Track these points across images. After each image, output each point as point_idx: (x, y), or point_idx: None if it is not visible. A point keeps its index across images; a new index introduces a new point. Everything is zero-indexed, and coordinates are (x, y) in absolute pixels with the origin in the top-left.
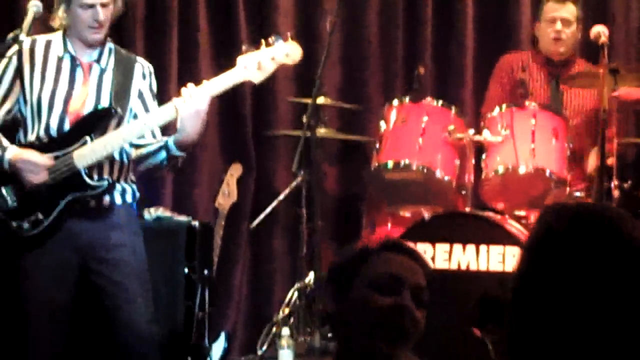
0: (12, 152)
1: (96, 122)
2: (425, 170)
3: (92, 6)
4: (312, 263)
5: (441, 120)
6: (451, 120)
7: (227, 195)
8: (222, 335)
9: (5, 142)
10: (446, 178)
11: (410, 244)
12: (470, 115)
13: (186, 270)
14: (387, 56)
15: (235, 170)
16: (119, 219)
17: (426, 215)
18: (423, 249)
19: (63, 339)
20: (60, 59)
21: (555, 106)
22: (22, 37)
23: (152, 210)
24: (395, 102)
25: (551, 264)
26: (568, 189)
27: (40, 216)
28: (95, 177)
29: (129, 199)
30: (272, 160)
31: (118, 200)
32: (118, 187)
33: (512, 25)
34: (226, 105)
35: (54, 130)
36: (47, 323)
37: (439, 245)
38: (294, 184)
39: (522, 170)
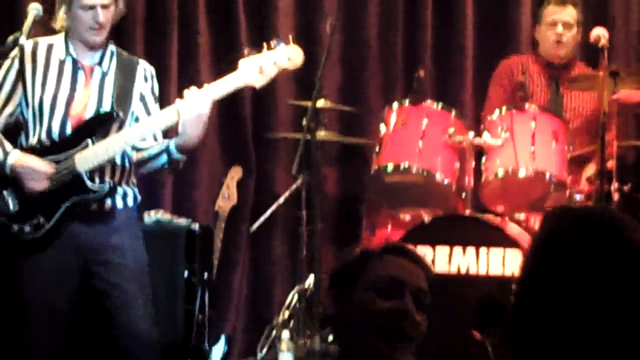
0: (14, 157)
1: (98, 126)
2: (425, 173)
3: (92, 7)
4: (312, 266)
5: (441, 123)
6: (451, 123)
7: (227, 197)
8: (222, 338)
9: (8, 147)
10: (446, 181)
11: (411, 247)
12: (470, 118)
13: (186, 273)
14: (387, 59)
15: (235, 173)
16: (120, 222)
17: (426, 218)
18: (423, 251)
19: (63, 342)
20: (62, 62)
21: (556, 109)
22: (22, 40)
23: (151, 212)
24: (395, 104)
25: (554, 268)
26: (568, 191)
27: (41, 219)
28: (97, 180)
29: (130, 202)
30: (272, 163)
31: (119, 203)
32: (119, 190)
33: (511, 28)
34: (226, 107)
35: (55, 134)
36: (47, 326)
37: (439, 248)
38: (294, 186)
39: (522, 173)
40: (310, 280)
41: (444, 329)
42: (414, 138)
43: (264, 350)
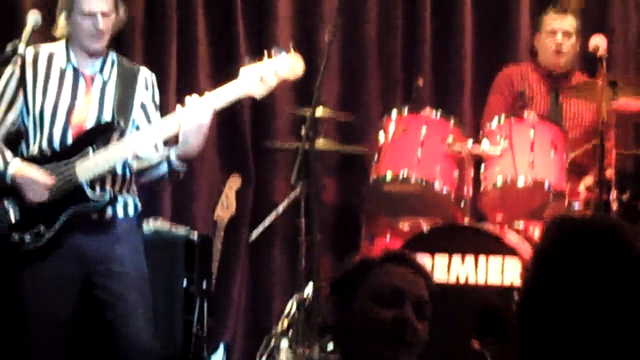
0: (15, 167)
1: (99, 135)
2: (424, 183)
3: (92, 14)
4: (311, 275)
5: (440, 131)
6: (450, 132)
7: (226, 207)
8: (221, 347)
9: (9, 156)
10: (445, 190)
11: (412, 255)
12: (469, 127)
13: (185, 282)
14: (386, 67)
15: (234, 182)
16: (121, 232)
17: (425, 227)
18: (422, 260)
19: (64, 352)
20: (63, 71)
21: (555, 118)
22: (21, 48)
23: (150, 221)
24: (394, 113)
25: (557, 278)
26: (566, 200)
27: (42, 229)
28: (98, 190)
29: (131, 211)
30: (271, 172)
31: (120, 213)
32: (120, 200)
33: (510, 36)
34: (225, 116)
35: (56, 143)
36: (47, 336)
37: (437, 257)
38: (292, 195)
39: (520, 182)
40: (309, 289)
41: (443, 337)
42: (412, 147)
43: (263, 359)
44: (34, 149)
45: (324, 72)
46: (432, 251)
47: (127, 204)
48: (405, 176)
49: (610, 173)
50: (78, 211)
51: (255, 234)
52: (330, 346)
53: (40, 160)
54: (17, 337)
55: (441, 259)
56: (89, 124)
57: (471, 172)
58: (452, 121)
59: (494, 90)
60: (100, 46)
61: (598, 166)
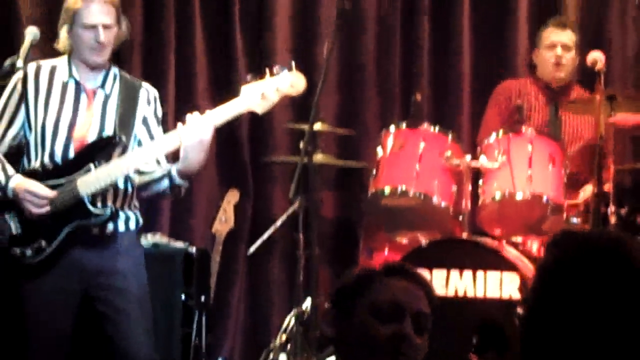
0: (16, 181)
1: (100, 150)
2: (422, 197)
3: (94, 27)
4: (309, 289)
5: (438, 146)
6: (448, 146)
7: (225, 221)
8: None
9: (10, 170)
10: (443, 204)
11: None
12: (467, 141)
13: (183, 296)
14: (384, 82)
15: (233, 196)
16: (122, 246)
17: (423, 241)
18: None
19: None
20: (65, 85)
21: (555, 132)
22: (19, 63)
23: (149, 236)
24: (392, 128)
25: (562, 293)
26: (565, 214)
27: (43, 243)
28: (99, 204)
29: (132, 226)
30: (269, 186)
31: (121, 227)
32: (122, 214)
33: (508, 52)
34: (223, 130)
35: (58, 157)
36: (48, 350)
37: (436, 271)
38: (291, 209)
39: (519, 196)
40: (307, 303)
41: (441, 351)
42: (411, 161)
43: None
44: (35, 164)
45: (323, 86)
46: (430, 265)
47: (129, 219)
48: (403, 190)
49: (608, 187)
50: (79, 226)
51: (253, 248)
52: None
53: (41, 174)
54: (18, 351)
55: (439, 273)
56: (91, 138)
57: (469, 187)
58: (450, 136)
59: (492, 104)
60: (102, 59)
61: (596, 180)
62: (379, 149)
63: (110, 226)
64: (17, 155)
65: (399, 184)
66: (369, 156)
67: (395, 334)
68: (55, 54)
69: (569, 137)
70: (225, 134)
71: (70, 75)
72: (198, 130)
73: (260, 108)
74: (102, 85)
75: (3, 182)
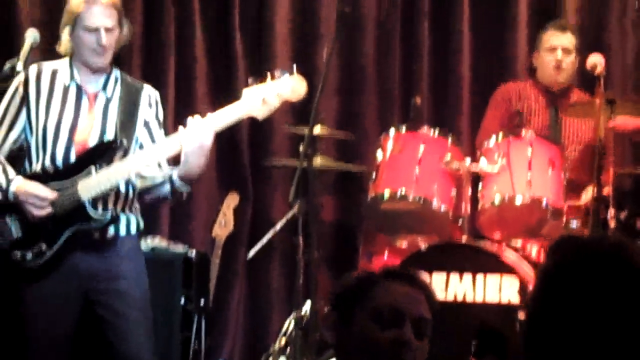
0: (17, 184)
1: (101, 154)
2: (421, 201)
3: (96, 30)
4: (309, 293)
5: (438, 149)
6: (448, 150)
7: (224, 224)
8: None
9: (11, 174)
10: (443, 208)
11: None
12: (466, 145)
13: (183, 300)
14: (384, 85)
15: (232, 200)
16: (123, 250)
17: (423, 245)
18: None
19: None
20: (66, 88)
21: (555, 135)
22: (19, 66)
23: (148, 239)
24: (392, 131)
25: (563, 297)
26: (564, 218)
27: (43, 247)
28: (100, 208)
29: (133, 229)
30: (269, 190)
31: (122, 231)
32: (122, 218)
33: (508, 55)
34: (223, 135)
35: (59, 160)
36: (48, 354)
37: (435, 275)
38: (290, 213)
39: (518, 200)
40: (306, 307)
41: (441, 355)
42: (410, 165)
43: None
44: (36, 167)
45: (322, 90)
46: (430, 269)
47: (130, 222)
48: (403, 194)
49: (608, 191)
50: (80, 230)
51: (253, 251)
52: None
53: (42, 178)
54: (18, 354)
55: (439, 277)
56: (92, 141)
57: (469, 190)
58: (450, 139)
59: (491, 107)
60: (103, 62)
61: (596, 184)
62: (379, 153)
63: (111, 230)
64: (19, 158)
65: (398, 188)
66: (368, 160)
67: (395, 340)
68: (56, 56)
69: (569, 140)
70: (225, 138)
71: (72, 78)
72: (198, 135)
73: (260, 113)
74: (104, 88)
75: (4, 185)
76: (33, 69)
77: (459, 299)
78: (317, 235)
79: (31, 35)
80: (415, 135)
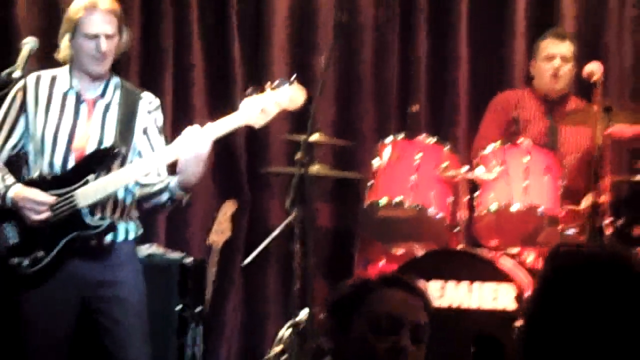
0: (15, 190)
1: (99, 161)
2: (418, 208)
3: (96, 36)
4: (305, 300)
5: (435, 157)
6: (445, 158)
7: (221, 231)
8: None
9: (9, 180)
10: (439, 215)
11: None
12: (464, 153)
13: (179, 307)
14: (381, 93)
15: (229, 207)
16: (120, 257)
17: (419, 252)
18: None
19: None
20: (65, 95)
21: (551, 143)
22: (17, 74)
23: (144, 246)
24: (389, 139)
25: (560, 305)
26: (561, 226)
27: (41, 254)
28: (98, 215)
29: (130, 236)
30: (266, 197)
31: (120, 238)
32: (120, 225)
33: (505, 63)
34: (220, 142)
35: (57, 167)
36: None
37: (431, 283)
38: (287, 220)
39: (514, 208)
40: (303, 314)
41: None
42: (407, 172)
43: None
44: (35, 174)
45: (320, 97)
46: (426, 276)
47: (128, 229)
48: (399, 202)
49: (604, 198)
50: (77, 237)
51: (249, 258)
52: None
53: (40, 185)
54: None
55: (435, 284)
56: (90, 149)
57: (466, 198)
58: (447, 147)
59: (489, 114)
60: (102, 69)
61: (593, 191)
62: (376, 160)
63: (108, 237)
64: (17, 165)
65: (395, 195)
66: (365, 167)
67: (393, 347)
68: (54, 64)
69: (566, 148)
70: (222, 145)
71: (71, 85)
72: (195, 144)
73: (258, 122)
74: (102, 95)
75: (2, 191)
76: (32, 76)
77: (455, 306)
78: (313, 242)
79: (29, 43)
80: (412, 143)
